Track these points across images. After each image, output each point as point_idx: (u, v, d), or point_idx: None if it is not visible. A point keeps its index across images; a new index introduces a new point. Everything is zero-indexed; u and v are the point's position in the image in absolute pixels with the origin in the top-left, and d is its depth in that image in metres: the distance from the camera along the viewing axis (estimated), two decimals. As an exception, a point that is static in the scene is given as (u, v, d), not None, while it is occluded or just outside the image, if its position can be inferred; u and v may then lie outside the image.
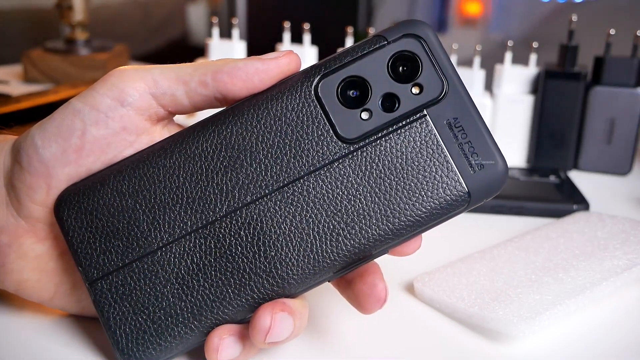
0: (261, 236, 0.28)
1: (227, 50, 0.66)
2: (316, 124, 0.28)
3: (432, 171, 0.28)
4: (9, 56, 1.02)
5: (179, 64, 0.30)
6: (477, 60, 0.61)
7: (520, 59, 0.61)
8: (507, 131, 0.60)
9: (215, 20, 0.66)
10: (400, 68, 0.28)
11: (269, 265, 0.28)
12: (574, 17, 0.57)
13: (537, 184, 0.52)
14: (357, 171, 0.28)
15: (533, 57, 0.60)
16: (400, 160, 0.28)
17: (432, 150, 0.28)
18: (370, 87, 0.28)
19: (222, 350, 0.28)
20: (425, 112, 0.28)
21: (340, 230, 0.28)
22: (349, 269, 0.29)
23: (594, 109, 0.58)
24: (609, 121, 0.58)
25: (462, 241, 0.44)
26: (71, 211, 0.29)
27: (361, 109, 0.28)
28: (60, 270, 0.31)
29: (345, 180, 0.28)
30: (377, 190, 0.28)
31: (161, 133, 0.31)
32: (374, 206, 0.28)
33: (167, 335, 0.29)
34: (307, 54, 0.65)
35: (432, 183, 0.28)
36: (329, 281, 0.30)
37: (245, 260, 0.28)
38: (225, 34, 0.68)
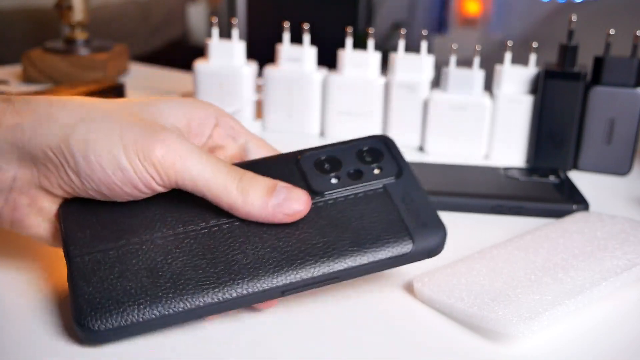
0: (224, 246, 0.34)
1: (227, 50, 0.66)
2: (295, 179, 0.37)
3: (385, 225, 0.35)
4: (9, 56, 1.03)
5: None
6: (476, 61, 0.61)
7: (520, 59, 0.61)
8: (506, 131, 0.60)
9: (215, 20, 0.66)
10: (367, 156, 0.38)
11: (222, 269, 0.33)
12: (574, 17, 0.57)
13: (537, 184, 0.52)
14: (321, 214, 0.36)
15: (533, 57, 0.60)
16: (357, 215, 0.35)
17: (387, 210, 0.36)
18: (341, 163, 0.37)
19: None
20: (382, 185, 0.37)
21: (291, 258, 0.34)
22: (290, 293, 0.34)
23: (594, 109, 0.58)
24: (608, 121, 0.58)
25: (462, 241, 0.44)
26: (71, 203, 0.36)
27: (332, 175, 0.37)
28: None
29: (311, 219, 0.35)
30: (334, 231, 0.35)
31: None
32: (330, 244, 0.34)
33: (126, 314, 0.31)
34: (307, 54, 0.65)
35: (383, 233, 0.35)
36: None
37: (205, 261, 0.33)
38: (225, 34, 0.68)
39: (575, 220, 0.45)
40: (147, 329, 0.32)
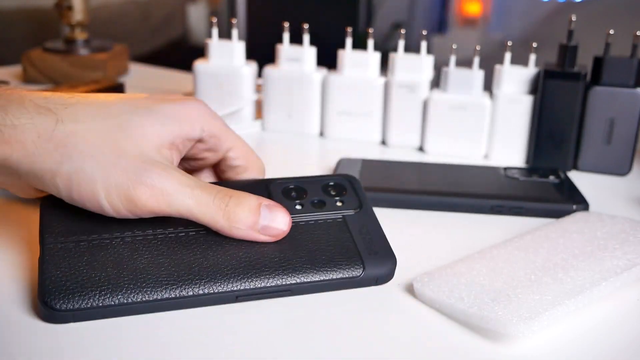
0: (188, 249, 0.36)
1: (227, 50, 0.66)
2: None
3: (340, 250, 0.38)
4: (9, 56, 1.02)
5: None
6: (476, 61, 0.61)
7: (520, 59, 0.61)
8: (506, 131, 0.60)
9: (215, 20, 0.66)
10: (332, 190, 0.42)
11: (183, 269, 0.35)
12: (574, 17, 0.57)
13: (537, 184, 0.52)
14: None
15: (532, 57, 0.60)
16: (315, 238, 0.38)
17: (343, 237, 0.39)
18: (307, 193, 0.41)
19: None
20: (342, 216, 0.40)
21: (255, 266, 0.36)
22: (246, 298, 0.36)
23: (594, 109, 0.58)
24: (608, 121, 0.58)
25: (462, 241, 0.44)
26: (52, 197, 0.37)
27: (297, 202, 0.40)
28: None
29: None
30: (292, 249, 0.37)
31: None
32: (286, 259, 0.37)
33: (87, 298, 0.33)
34: (307, 54, 0.65)
35: (337, 256, 0.37)
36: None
37: (168, 260, 0.36)
38: (225, 34, 0.68)
39: (575, 220, 0.45)
40: (106, 315, 0.34)
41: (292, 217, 0.39)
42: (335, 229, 0.39)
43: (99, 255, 0.35)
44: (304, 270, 0.36)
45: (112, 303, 0.34)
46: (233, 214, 0.37)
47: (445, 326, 0.35)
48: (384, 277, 0.38)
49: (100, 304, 0.33)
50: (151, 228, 0.37)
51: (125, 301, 0.34)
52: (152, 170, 0.36)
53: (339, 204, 0.41)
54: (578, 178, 0.58)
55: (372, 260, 0.38)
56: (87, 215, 0.37)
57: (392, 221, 0.45)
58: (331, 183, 0.42)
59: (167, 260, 0.36)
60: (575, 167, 0.60)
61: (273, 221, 0.37)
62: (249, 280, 0.35)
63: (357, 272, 0.37)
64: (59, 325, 0.33)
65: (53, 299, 0.33)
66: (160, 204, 0.35)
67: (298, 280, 0.36)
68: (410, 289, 0.38)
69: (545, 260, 0.39)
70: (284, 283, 0.36)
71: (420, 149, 0.64)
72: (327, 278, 0.37)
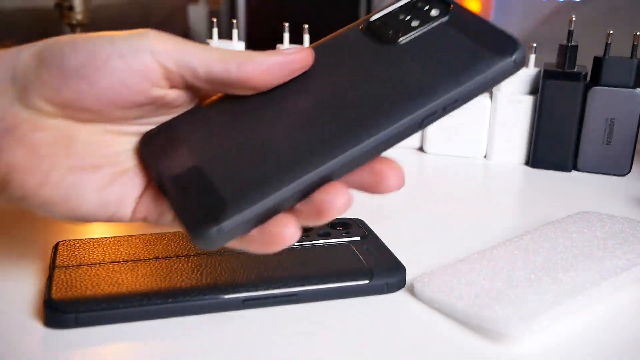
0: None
1: (227, 50, 0.66)
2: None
3: (347, 260, 0.39)
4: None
5: (211, 47, 0.33)
6: (476, 61, 0.61)
7: (520, 59, 0.61)
8: (506, 131, 0.60)
9: (215, 20, 0.66)
10: (338, 225, 0.43)
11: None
12: (574, 17, 0.57)
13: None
14: (292, 253, 0.39)
15: (532, 57, 0.60)
16: (325, 255, 0.39)
17: (349, 253, 0.40)
18: (312, 228, 0.42)
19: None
20: (348, 242, 0.41)
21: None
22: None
23: (593, 109, 0.58)
24: (608, 121, 0.58)
25: (462, 241, 0.44)
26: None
27: (303, 235, 0.35)
28: (52, 156, 0.32)
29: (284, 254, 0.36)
30: (301, 263, 0.38)
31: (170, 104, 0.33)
32: (297, 271, 0.37)
33: (92, 302, 0.34)
34: (307, 54, 0.65)
35: (344, 266, 0.38)
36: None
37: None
38: (225, 34, 0.68)
39: (575, 220, 0.45)
40: (110, 320, 0.34)
41: (297, 243, 0.40)
42: (342, 249, 0.40)
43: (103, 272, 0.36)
44: (311, 277, 0.37)
45: (116, 308, 0.34)
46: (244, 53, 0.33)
47: (445, 326, 0.35)
48: (394, 285, 0.38)
49: (104, 308, 0.33)
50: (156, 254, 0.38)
51: (130, 306, 0.34)
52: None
53: (344, 234, 0.42)
54: (578, 178, 0.58)
55: (380, 268, 0.38)
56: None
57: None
58: (337, 221, 0.44)
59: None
60: (575, 167, 0.60)
61: (291, 53, 0.33)
62: (256, 287, 0.36)
63: (365, 280, 0.37)
64: (63, 330, 0.33)
65: (57, 302, 0.33)
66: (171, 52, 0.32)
67: (304, 288, 0.36)
68: (410, 289, 0.38)
69: (545, 260, 0.39)
70: (290, 290, 0.36)
71: (421, 149, 0.64)
72: (335, 286, 0.37)
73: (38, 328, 0.33)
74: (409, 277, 0.39)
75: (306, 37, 0.64)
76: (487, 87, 0.32)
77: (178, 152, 0.33)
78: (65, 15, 0.85)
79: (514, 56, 0.32)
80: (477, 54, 0.32)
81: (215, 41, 0.66)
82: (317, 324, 0.35)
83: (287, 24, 0.65)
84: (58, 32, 1.12)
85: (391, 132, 0.30)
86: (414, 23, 0.34)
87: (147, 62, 0.31)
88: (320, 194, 0.29)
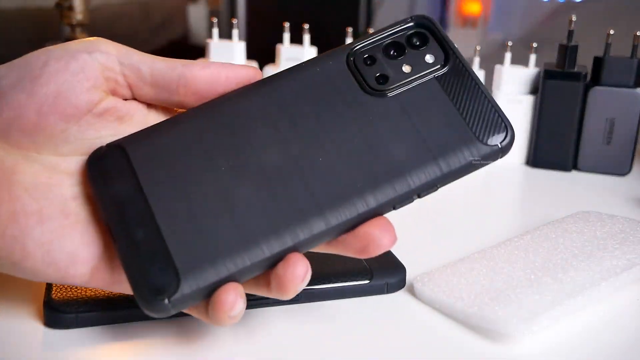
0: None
1: (227, 50, 0.66)
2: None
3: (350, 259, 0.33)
4: (9, 56, 1.02)
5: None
6: (476, 61, 0.61)
7: (520, 59, 0.61)
8: (506, 131, 0.60)
9: (215, 20, 0.66)
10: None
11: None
12: (574, 17, 0.57)
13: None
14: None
15: (532, 57, 0.60)
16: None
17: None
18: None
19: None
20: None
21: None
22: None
23: (594, 109, 0.58)
24: (608, 121, 0.58)
25: (462, 241, 0.44)
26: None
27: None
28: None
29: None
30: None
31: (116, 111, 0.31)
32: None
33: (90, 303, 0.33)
34: (307, 54, 0.65)
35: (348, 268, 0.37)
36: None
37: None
38: (225, 34, 0.68)
39: (575, 220, 0.45)
40: (109, 321, 0.34)
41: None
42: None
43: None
44: (311, 277, 0.36)
45: (116, 308, 0.33)
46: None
47: (445, 326, 0.35)
48: (394, 285, 0.38)
49: (105, 308, 0.33)
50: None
51: (130, 306, 0.33)
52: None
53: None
54: (578, 178, 0.58)
55: (380, 268, 0.38)
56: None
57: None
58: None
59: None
60: (575, 167, 0.60)
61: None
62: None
63: (365, 280, 0.37)
64: (63, 330, 0.33)
65: (57, 302, 0.33)
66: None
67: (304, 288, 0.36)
68: (410, 289, 0.38)
69: (545, 260, 0.39)
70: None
71: (420, 149, 0.64)
72: (336, 286, 0.37)
73: (38, 328, 0.33)
74: (409, 277, 0.39)
75: (306, 37, 0.64)
76: (469, 172, 0.31)
77: (128, 187, 0.29)
78: (65, 15, 0.85)
79: (502, 144, 0.31)
80: (464, 136, 0.31)
81: (215, 41, 0.66)
82: (317, 324, 0.35)
83: (287, 24, 0.65)
84: (58, 32, 1.12)
85: (358, 218, 0.29)
86: (406, 68, 0.32)
87: (85, 60, 0.30)
88: (280, 266, 0.28)
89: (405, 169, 0.30)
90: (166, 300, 0.27)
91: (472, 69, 0.32)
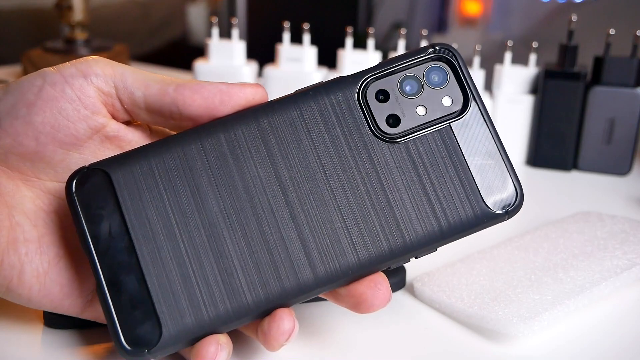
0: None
1: (227, 50, 0.66)
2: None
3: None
4: (9, 56, 1.02)
5: (151, 72, 0.31)
6: (476, 60, 0.61)
7: (520, 59, 0.61)
8: (506, 131, 0.60)
9: (215, 20, 0.66)
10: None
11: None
12: (574, 17, 0.57)
13: None
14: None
15: (533, 57, 0.60)
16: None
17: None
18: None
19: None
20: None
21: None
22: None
23: (594, 109, 0.58)
24: (608, 121, 0.58)
25: (462, 241, 0.44)
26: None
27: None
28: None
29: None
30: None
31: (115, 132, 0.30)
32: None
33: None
34: (307, 54, 0.65)
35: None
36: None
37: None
38: (225, 34, 0.68)
39: (575, 220, 0.45)
40: None
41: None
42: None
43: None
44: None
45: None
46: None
47: (445, 326, 0.35)
48: (394, 285, 0.37)
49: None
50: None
51: None
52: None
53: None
54: (578, 178, 0.58)
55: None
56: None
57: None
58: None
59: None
60: (575, 167, 0.60)
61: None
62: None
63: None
64: (63, 330, 0.33)
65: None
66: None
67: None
68: (410, 289, 0.38)
69: (545, 260, 0.39)
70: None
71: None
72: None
73: (38, 328, 0.33)
74: (409, 277, 0.39)
75: (306, 37, 0.64)
76: (470, 234, 0.30)
77: (112, 217, 0.28)
78: (65, 15, 0.85)
79: (509, 209, 0.30)
80: (471, 199, 0.29)
81: (215, 41, 0.66)
82: (317, 324, 0.35)
83: (287, 24, 0.65)
84: (58, 32, 1.11)
85: (351, 277, 0.29)
86: (420, 110, 0.30)
87: (82, 86, 0.29)
88: (266, 321, 0.28)
89: (406, 229, 0.29)
90: (146, 351, 0.26)
91: (490, 119, 0.31)
